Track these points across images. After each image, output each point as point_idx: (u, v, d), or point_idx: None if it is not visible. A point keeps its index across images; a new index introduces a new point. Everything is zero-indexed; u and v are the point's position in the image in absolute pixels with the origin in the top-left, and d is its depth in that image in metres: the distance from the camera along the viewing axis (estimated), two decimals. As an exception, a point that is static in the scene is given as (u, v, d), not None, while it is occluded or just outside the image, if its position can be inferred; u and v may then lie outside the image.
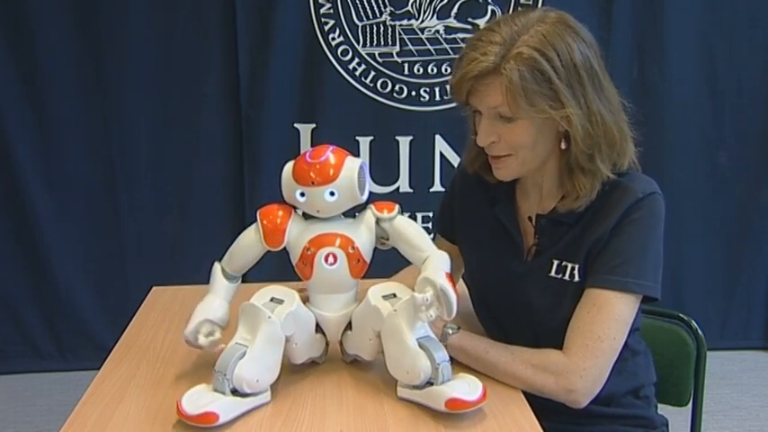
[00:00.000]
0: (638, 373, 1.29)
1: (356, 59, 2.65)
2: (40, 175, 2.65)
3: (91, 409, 1.07)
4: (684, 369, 1.39)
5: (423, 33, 2.64)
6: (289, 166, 1.08)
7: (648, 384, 1.33)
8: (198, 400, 1.02)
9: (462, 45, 2.61)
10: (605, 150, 1.12)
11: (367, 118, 2.69)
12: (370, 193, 1.10)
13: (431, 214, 2.72)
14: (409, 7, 2.61)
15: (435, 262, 1.08)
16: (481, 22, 2.63)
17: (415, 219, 2.59)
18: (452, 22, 2.63)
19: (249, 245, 1.13)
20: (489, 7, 2.61)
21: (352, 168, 1.05)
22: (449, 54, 2.66)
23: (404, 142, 2.72)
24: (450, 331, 1.18)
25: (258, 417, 1.05)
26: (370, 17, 2.62)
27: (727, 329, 2.93)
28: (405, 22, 2.63)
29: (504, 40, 1.08)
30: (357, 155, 1.10)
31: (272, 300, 1.08)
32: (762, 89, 2.76)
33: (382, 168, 2.68)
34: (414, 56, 2.66)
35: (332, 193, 1.05)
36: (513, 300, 1.25)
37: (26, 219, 2.67)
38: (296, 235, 1.09)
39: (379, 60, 2.65)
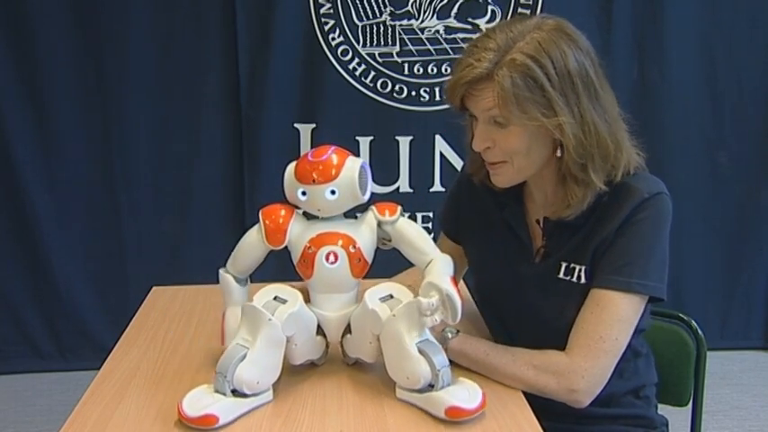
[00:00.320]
0: (640, 373, 1.29)
1: (356, 59, 2.65)
2: (40, 175, 2.65)
3: (91, 409, 1.07)
4: (684, 369, 1.39)
5: (423, 33, 2.64)
6: (291, 166, 1.08)
7: (649, 384, 1.33)
8: (199, 401, 1.02)
9: (462, 45, 2.65)
10: (598, 161, 1.12)
11: (367, 118, 2.69)
12: (371, 193, 1.10)
13: (431, 214, 2.72)
14: (409, 7, 2.61)
15: (440, 266, 1.08)
16: (481, 22, 2.63)
17: (414, 219, 2.60)
18: (452, 22, 2.63)
19: (252, 245, 1.13)
20: (489, 7, 2.61)
21: (353, 168, 1.06)
22: (449, 54, 2.66)
23: (404, 142, 2.72)
24: (450, 335, 1.18)
25: (258, 417, 1.05)
26: (370, 17, 2.62)
27: (727, 329, 2.93)
28: (405, 22, 2.63)
29: (498, 46, 1.08)
30: (357, 155, 1.10)
31: (275, 298, 1.08)
32: (762, 89, 2.76)
33: (382, 168, 2.68)
34: (414, 56, 2.66)
35: (333, 192, 1.05)
36: (519, 302, 1.25)
37: (26, 219, 2.67)
38: (297, 234, 1.09)
39: (379, 60, 2.65)
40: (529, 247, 1.25)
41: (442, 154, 2.74)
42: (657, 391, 1.36)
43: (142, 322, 1.41)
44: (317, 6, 2.59)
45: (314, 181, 1.04)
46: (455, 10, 2.62)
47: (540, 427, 1.03)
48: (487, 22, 2.62)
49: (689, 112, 2.74)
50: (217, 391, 1.04)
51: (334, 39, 2.62)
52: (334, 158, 1.06)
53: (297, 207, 1.10)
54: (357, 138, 2.67)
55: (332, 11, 2.60)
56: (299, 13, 2.59)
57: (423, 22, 2.63)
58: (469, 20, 2.63)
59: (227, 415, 1.02)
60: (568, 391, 1.12)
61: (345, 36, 2.63)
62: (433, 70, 2.67)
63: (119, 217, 2.73)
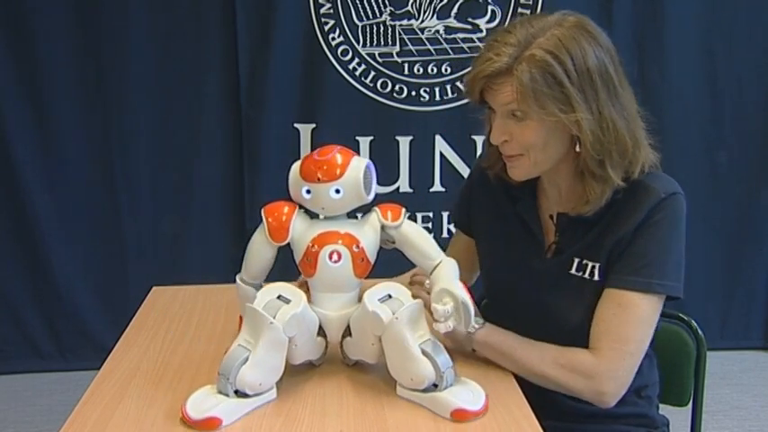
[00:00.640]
0: (643, 373, 1.29)
1: (356, 59, 2.65)
2: (40, 175, 2.65)
3: (91, 409, 1.07)
4: (684, 369, 1.39)
5: (423, 33, 2.64)
6: (297, 164, 1.09)
7: (651, 384, 1.33)
8: (202, 403, 1.02)
9: (462, 45, 2.66)
10: (616, 157, 1.12)
11: (367, 118, 2.69)
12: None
13: (431, 214, 2.72)
14: (409, 7, 2.61)
15: (449, 271, 1.08)
16: (481, 22, 2.63)
17: (414, 219, 2.59)
18: (452, 22, 2.63)
19: (259, 246, 1.13)
20: (489, 7, 2.61)
21: (358, 167, 1.06)
22: (449, 54, 2.66)
23: (404, 142, 2.72)
24: (477, 325, 1.18)
25: (258, 417, 1.05)
26: (370, 17, 2.62)
27: (727, 329, 2.93)
28: (405, 22, 2.63)
29: (518, 41, 1.09)
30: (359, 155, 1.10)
31: (279, 297, 1.07)
32: (762, 89, 2.76)
33: (382, 168, 2.64)
34: (414, 56, 2.66)
35: (337, 191, 1.05)
36: (530, 297, 1.25)
37: (26, 219, 2.67)
38: (301, 232, 1.09)
39: (379, 60, 2.65)
40: (541, 242, 1.25)
41: (441, 154, 2.74)
42: (659, 391, 1.36)
43: (142, 322, 1.41)
44: (317, 6, 2.59)
45: (319, 179, 1.04)
46: (455, 10, 2.62)
47: (539, 427, 1.03)
48: (487, 22, 2.62)
49: (689, 112, 2.74)
50: (220, 392, 1.04)
51: (334, 39, 2.62)
52: (340, 158, 1.06)
53: (300, 205, 1.10)
54: (357, 138, 2.67)
55: (332, 11, 2.60)
56: (299, 13, 2.59)
57: (423, 22, 2.63)
58: (469, 20, 2.63)
59: (230, 416, 1.02)
60: (597, 393, 1.14)
61: (345, 36, 2.63)
62: (433, 70, 2.67)
63: (119, 217, 2.73)
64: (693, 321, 1.38)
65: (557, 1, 2.49)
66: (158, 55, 2.62)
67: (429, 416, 1.05)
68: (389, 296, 1.08)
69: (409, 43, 2.65)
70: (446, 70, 2.67)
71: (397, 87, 2.68)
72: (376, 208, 1.12)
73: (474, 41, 2.64)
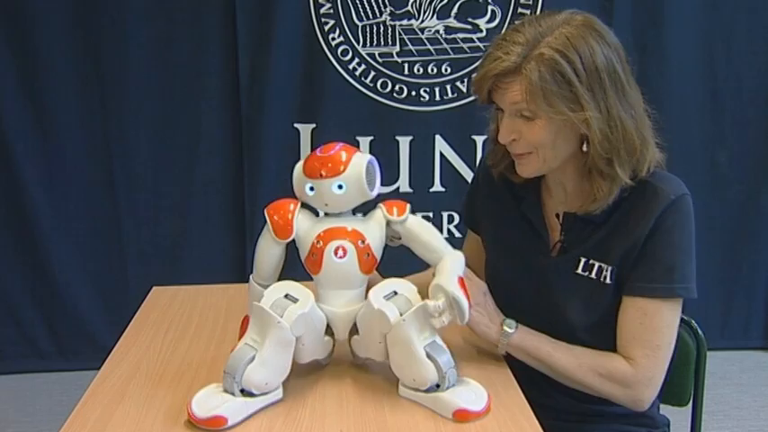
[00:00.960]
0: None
1: (356, 59, 2.65)
2: (40, 175, 2.65)
3: (91, 409, 1.07)
4: (684, 369, 1.39)
5: (423, 33, 2.64)
6: (300, 162, 1.09)
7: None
8: (207, 401, 1.02)
9: (462, 45, 2.65)
10: (624, 156, 1.13)
11: (367, 118, 2.69)
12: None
13: (431, 214, 2.72)
14: (409, 7, 2.61)
15: (449, 266, 1.07)
16: (481, 22, 2.63)
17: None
18: (452, 22, 2.63)
19: (265, 246, 1.12)
20: (489, 7, 2.61)
21: (360, 163, 1.06)
22: (449, 54, 2.66)
23: (404, 142, 2.72)
24: (510, 330, 1.18)
25: (258, 416, 1.05)
26: (370, 17, 2.62)
27: (727, 329, 2.93)
28: (405, 22, 2.63)
29: (527, 40, 1.09)
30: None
31: (286, 296, 1.07)
32: (762, 89, 2.76)
33: (382, 168, 2.67)
34: (414, 56, 2.66)
35: (340, 187, 1.05)
36: (533, 295, 1.26)
37: (26, 219, 2.67)
38: (305, 229, 1.09)
39: (379, 60, 2.65)
40: (546, 241, 1.25)
41: (442, 154, 2.74)
42: (660, 391, 1.36)
43: (142, 322, 1.41)
44: (317, 6, 2.59)
45: (321, 175, 1.04)
46: (455, 10, 2.62)
47: (539, 427, 1.03)
48: (487, 22, 2.62)
49: (689, 112, 2.74)
50: (225, 391, 1.03)
51: (334, 39, 2.62)
52: (342, 154, 1.06)
53: (304, 203, 1.10)
54: (357, 138, 2.67)
55: (332, 11, 2.60)
56: (299, 13, 2.59)
57: (423, 22, 2.63)
58: (469, 20, 2.63)
59: (236, 416, 1.02)
60: (635, 401, 1.17)
61: (345, 36, 2.63)
62: (433, 70, 2.67)
63: (119, 217, 2.73)
64: (693, 321, 1.38)
65: (557, 1, 2.50)
66: (158, 55, 2.62)
67: (430, 416, 1.05)
68: (395, 293, 1.08)
69: (409, 43, 2.65)
70: (446, 70, 2.67)
71: (397, 87, 2.68)
72: (381, 204, 1.12)
73: (474, 41, 2.64)
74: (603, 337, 1.21)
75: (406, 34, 2.64)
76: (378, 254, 1.10)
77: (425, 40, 2.65)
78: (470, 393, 1.06)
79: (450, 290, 1.02)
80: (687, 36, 2.69)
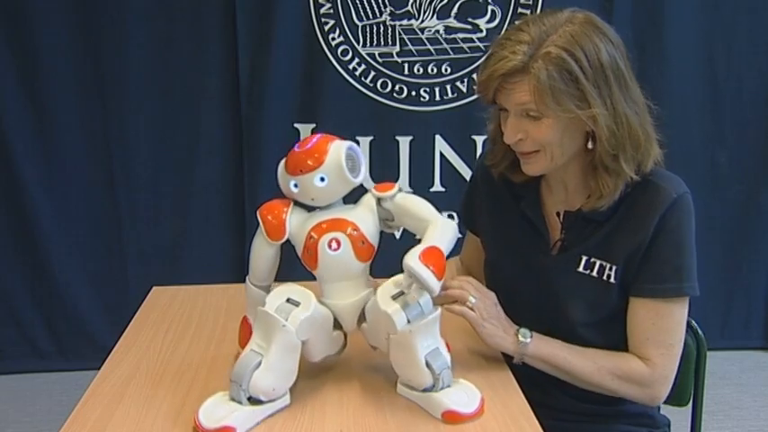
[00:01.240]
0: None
1: (356, 59, 2.65)
2: (40, 175, 2.65)
3: (91, 409, 1.07)
4: (684, 369, 1.39)
5: (423, 33, 2.64)
6: (282, 161, 1.08)
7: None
8: (215, 411, 1.01)
9: (462, 45, 2.65)
10: (630, 151, 1.13)
11: (367, 118, 2.69)
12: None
13: (431, 214, 2.72)
14: (409, 7, 2.61)
15: (427, 235, 1.04)
16: (481, 22, 2.63)
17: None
18: (452, 22, 2.63)
19: (260, 248, 1.11)
20: (489, 7, 2.61)
21: (338, 151, 1.03)
22: (449, 54, 2.66)
23: (404, 142, 2.72)
24: (527, 339, 1.17)
25: (258, 417, 1.05)
26: (370, 17, 2.62)
27: (727, 329, 2.93)
28: (405, 22, 2.63)
29: (532, 39, 1.09)
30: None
31: (288, 300, 1.05)
32: (762, 89, 2.76)
33: (382, 168, 2.68)
34: (414, 56, 2.66)
35: (322, 179, 1.03)
36: (533, 293, 1.26)
37: (26, 219, 2.67)
38: (298, 226, 1.08)
39: (379, 60, 2.65)
40: (546, 239, 1.25)
41: (441, 154, 2.74)
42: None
43: (142, 322, 1.41)
44: (317, 6, 2.59)
45: (302, 171, 1.03)
46: (455, 10, 2.62)
47: (539, 427, 1.03)
48: (487, 21, 2.62)
49: (689, 112, 2.74)
50: (233, 400, 1.02)
51: (334, 39, 2.62)
52: (319, 145, 1.04)
53: (295, 201, 1.09)
54: (357, 138, 2.67)
55: (332, 11, 2.60)
56: (299, 13, 2.59)
57: (423, 22, 2.63)
58: (469, 20, 2.63)
59: (244, 425, 1.01)
60: (653, 398, 1.20)
61: (345, 36, 2.63)
62: (433, 70, 2.67)
63: (119, 217, 2.73)
64: (693, 321, 1.38)
65: (557, 1, 2.49)
66: (158, 55, 2.62)
67: (430, 417, 1.05)
68: (402, 293, 1.05)
69: (409, 43, 2.64)
70: (446, 70, 2.66)
71: (397, 87, 2.68)
72: (370, 188, 1.11)
73: (474, 41, 2.64)
74: (604, 334, 1.21)
75: (406, 34, 2.64)
76: (373, 240, 1.08)
77: (425, 40, 2.65)
78: (463, 395, 1.06)
79: (407, 263, 0.98)
80: (687, 36, 2.69)
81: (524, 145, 1.16)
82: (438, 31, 2.64)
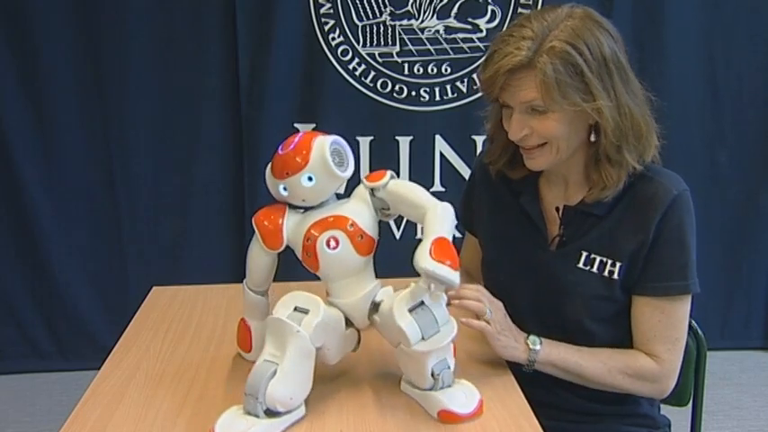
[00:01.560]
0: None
1: (356, 59, 2.65)
2: (40, 175, 2.65)
3: (91, 409, 1.07)
4: (684, 369, 1.39)
5: (423, 33, 2.64)
6: (269, 166, 1.06)
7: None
8: (231, 426, 0.98)
9: (462, 45, 2.65)
10: (632, 142, 1.15)
11: (367, 118, 2.69)
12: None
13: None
14: (409, 7, 2.61)
15: (428, 228, 1.01)
16: (481, 22, 2.63)
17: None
18: (452, 22, 2.63)
19: (256, 256, 1.11)
20: (489, 7, 2.61)
21: (321, 148, 1.01)
22: (449, 54, 2.66)
23: (404, 142, 2.72)
24: (537, 347, 1.17)
25: (258, 417, 1.05)
26: (370, 17, 2.62)
27: (727, 329, 2.93)
28: (405, 22, 2.63)
29: (535, 34, 1.09)
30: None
31: (296, 309, 1.03)
32: (762, 89, 2.76)
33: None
34: (414, 56, 2.66)
35: (309, 179, 1.01)
36: (532, 289, 1.26)
37: (26, 219, 2.67)
38: (294, 230, 1.06)
39: (379, 60, 2.65)
40: (545, 235, 1.25)
41: (442, 154, 2.74)
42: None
43: (142, 322, 1.41)
44: (317, 6, 2.59)
45: (288, 173, 1.01)
46: (455, 10, 2.62)
47: (539, 427, 1.03)
48: (487, 21, 2.62)
49: (688, 112, 2.74)
50: (249, 414, 0.99)
51: (334, 39, 2.62)
52: (302, 144, 1.01)
53: (289, 204, 1.07)
54: (357, 138, 2.67)
55: (332, 11, 2.60)
56: (299, 13, 2.59)
57: (423, 22, 2.63)
58: (469, 20, 2.63)
59: None
60: (662, 392, 1.23)
61: (345, 36, 2.63)
62: (433, 70, 2.67)
63: (119, 217, 2.73)
64: (693, 321, 1.38)
65: (557, 0, 2.49)
66: (158, 55, 2.62)
67: (429, 417, 1.05)
68: (422, 303, 1.02)
69: (409, 43, 2.65)
70: (446, 70, 2.66)
71: (397, 87, 2.68)
72: (362, 178, 1.09)
73: (474, 41, 2.64)
74: (603, 329, 1.22)
75: (406, 34, 2.64)
76: (372, 232, 1.06)
77: (425, 40, 2.65)
78: (461, 395, 1.05)
79: (422, 266, 0.95)
80: (687, 35, 2.69)
81: (530, 140, 1.16)
82: (438, 31, 2.64)
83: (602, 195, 1.18)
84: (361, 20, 2.62)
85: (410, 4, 2.61)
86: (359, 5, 2.60)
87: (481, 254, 1.39)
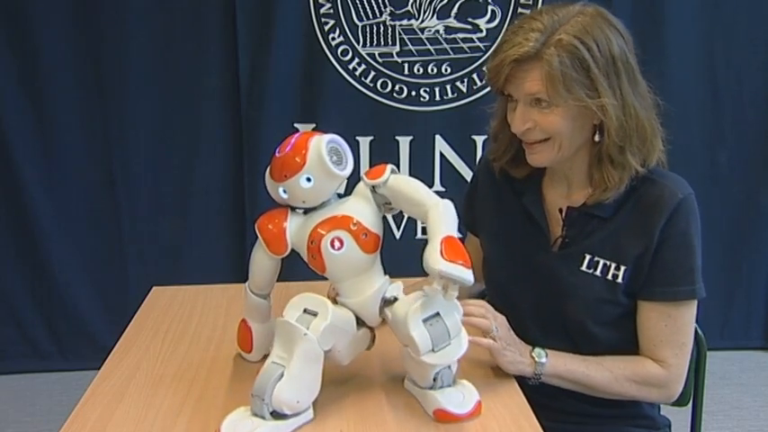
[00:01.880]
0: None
1: (356, 59, 2.65)
2: (40, 174, 2.65)
3: (91, 409, 1.07)
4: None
5: (423, 33, 2.64)
6: (268, 170, 1.05)
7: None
8: (237, 427, 0.98)
9: (462, 45, 2.65)
10: (636, 144, 1.14)
11: (367, 118, 2.69)
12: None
13: (431, 214, 2.72)
14: (409, 7, 2.61)
15: (434, 225, 1.00)
16: (481, 22, 2.63)
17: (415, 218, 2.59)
18: (452, 22, 2.63)
19: (260, 261, 1.10)
20: (489, 7, 2.61)
21: (317, 147, 0.99)
22: (449, 54, 2.66)
23: (404, 142, 2.72)
24: (543, 360, 1.16)
25: (258, 417, 1.05)
26: (370, 17, 2.62)
27: (727, 329, 2.93)
28: (405, 22, 2.63)
29: (545, 27, 1.10)
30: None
31: (305, 311, 1.02)
32: (762, 89, 2.76)
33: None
34: (414, 56, 2.66)
35: (308, 180, 1.00)
36: (533, 290, 1.25)
37: (26, 219, 2.67)
38: (297, 233, 1.05)
39: (379, 60, 2.65)
40: (547, 236, 1.25)
41: (442, 154, 2.74)
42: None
43: (142, 322, 1.41)
44: (317, 6, 2.59)
45: (286, 175, 1.00)
46: (455, 10, 2.62)
47: (539, 427, 1.03)
48: (487, 21, 2.62)
49: (689, 112, 2.74)
50: (255, 415, 0.99)
51: (334, 39, 2.62)
52: (298, 145, 1.00)
53: (291, 207, 1.06)
54: (357, 138, 2.67)
55: (332, 11, 2.60)
56: (299, 13, 2.59)
57: (423, 22, 2.63)
58: (469, 20, 2.63)
59: None
60: (669, 397, 1.23)
61: (345, 36, 2.63)
62: (433, 70, 2.67)
63: (119, 217, 2.73)
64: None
65: (557, 1, 2.49)
66: (158, 55, 2.62)
67: (429, 417, 1.05)
68: (438, 314, 1.01)
69: (409, 43, 2.64)
70: (446, 70, 2.66)
71: (397, 87, 2.68)
72: (362, 175, 1.08)
73: (474, 41, 2.64)
74: (606, 332, 1.21)
75: (406, 34, 2.64)
76: (376, 229, 1.05)
77: (425, 40, 2.65)
78: (459, 396, 1.05)
79: (435, 269, 0.93)
80: (687, 36, 2.69)
81: (532, 134, 1.16)
82: (438, 31, 2.64)
83: (603, 197, 1.17)
84: (361, 20, 2.62)
85: (410, 4, 2.61)
86: (359, 5, 2.60)
87: (482, 255, 1.38)
